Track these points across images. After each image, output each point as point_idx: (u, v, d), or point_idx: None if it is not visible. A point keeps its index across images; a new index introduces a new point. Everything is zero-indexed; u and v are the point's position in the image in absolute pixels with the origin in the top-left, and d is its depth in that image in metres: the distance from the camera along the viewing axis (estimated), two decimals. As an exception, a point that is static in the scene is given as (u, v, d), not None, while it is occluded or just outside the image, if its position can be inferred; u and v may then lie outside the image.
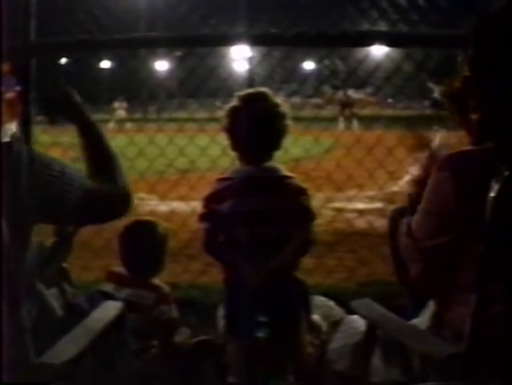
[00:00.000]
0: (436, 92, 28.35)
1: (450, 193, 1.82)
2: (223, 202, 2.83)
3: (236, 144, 2.93)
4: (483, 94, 1.87)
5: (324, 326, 3.11)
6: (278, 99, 2.95)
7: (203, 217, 2.89)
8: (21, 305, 1.88)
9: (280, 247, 2.82)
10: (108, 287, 3.09)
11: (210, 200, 2.88)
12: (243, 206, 2.81)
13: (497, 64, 1.82)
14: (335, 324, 3.13)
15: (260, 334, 2.70)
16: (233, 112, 2.91)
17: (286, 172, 2.92)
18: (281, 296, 2.81)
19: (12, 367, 1.76)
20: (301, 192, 2.89)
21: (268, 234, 2.82)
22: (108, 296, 2.64)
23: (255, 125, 2.84)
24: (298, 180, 2.93)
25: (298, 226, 2.86)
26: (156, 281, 3.20)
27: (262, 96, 2.93)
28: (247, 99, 2.92)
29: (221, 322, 2.95)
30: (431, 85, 27.99)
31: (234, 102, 2.94)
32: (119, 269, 3.18)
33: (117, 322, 2.43)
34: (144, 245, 3.17)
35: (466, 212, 1.80)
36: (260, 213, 2.80)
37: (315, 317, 3.08)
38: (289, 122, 2.93)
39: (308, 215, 2.89)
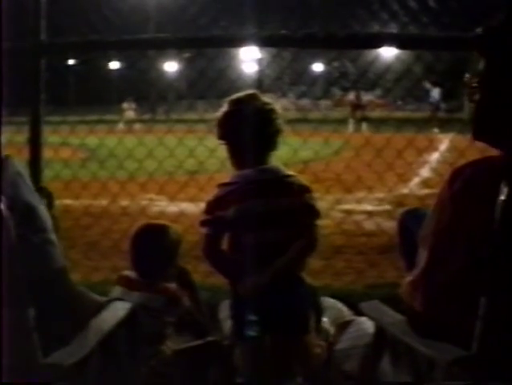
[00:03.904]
0: (434, 93, 28.39)
1: (449, 211, 1.87)
2: (228, 208, 2.81)
3: (232, 149, 2.91)
4: (492, 98, 1.88)
5: (332, 329, 3.10)
6: (269, 99, 2.93)
7: (205, 223, 2.87)
8: (27, 306, 1.88)
9: (287, 247, 2.81)
10: (118, 290, 3.09)
11: (214, 206, 2.86)
12: (249, 210, 2.79)
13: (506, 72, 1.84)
14: (344, 325, 3.12)
15: (264, 335, 2.69)
16: (226, 117, 2.89)
17: (287, 172, 2.90)
18: (288, 297, 2.80)
19: (17, 368, 1.77)
20: (305, 190, 2.87)
21: (275, 236, 2.81)
22: None
23: (250, 127, 2.82)
24: (301, 177, 2.91)
25: (304, 224, 2.85)
26: (165, 283, 3.18)
27: (252, 97, 2.91)
28: (238, 103, 2.90)
29: (226, 324, 2.95)
30: (428, 85, 27.96)
31: (225, 107, 2.91)
32: (130, 272, 3.17)
33: (128, 324, 2.43)
34: (154, 249, 3.14)
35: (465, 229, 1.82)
36: (267, 216, 2.79)
37: (324, 320, 3.07)
38: (281, 121, 2.91)
39: (313, 213, 2.87)
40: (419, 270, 1.97)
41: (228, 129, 2.88)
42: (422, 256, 1.97)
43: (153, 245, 3.15)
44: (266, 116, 2.86)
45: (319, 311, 3.01)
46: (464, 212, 1.83)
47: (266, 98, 2.93)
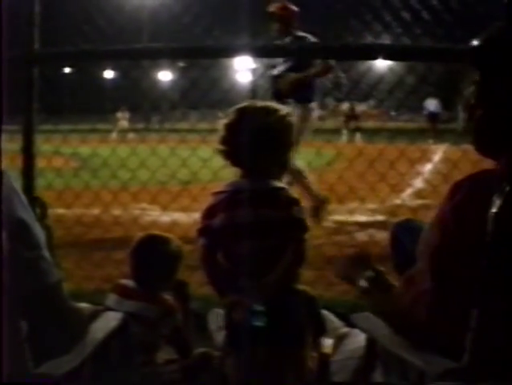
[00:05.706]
0: (429, 105, 28.59)
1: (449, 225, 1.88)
2: (216, 216, 2.81)
3: (235, 160, 2.88)
4: (490, 111, 1.89)
5: (324, 341, 3.09)
6: (283, 111, 2.89)
7: (200, 233, 2.86)
8: (19, 316, 1.87)
9: (274, 260, 2.79)
10: (112, 298, 3.08)
11: (206, 215, 2.85)
12: (234, 220, 2.78)
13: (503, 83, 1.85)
14: (342, 336, 3.12)
15: (258, 346, 2.68)
16: (232, 126, 2.85)
17: (278, 184, 2.88)
18: (282, 309, 2.79)
19: (11, 377, 1.76)
20: (293, 202, 2.84)
21: (262, 247, 2.78)
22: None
23: (250, 139, 2.78)
24: (291, 190, 2.90)
25: (292, 238, 2.83)
26: (162, 295, 3.16)
27: (265, 112, 2.87)
28: (243, 113, 2.87)
29: (218, 335, 2.93)
30: (430, 104, 28.11)
31: (231, 116, 2.88)
32: (126, 281, 3.16)
33: (120, 334, 2.42)
34: (155, 260, 3.13)
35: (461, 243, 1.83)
36: (252, 226, 2.76)
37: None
38: (290, 135, 2.88)
39: (300, 226, 2.85)
40: (422, 285, 1.95)
41: (231, 139, 2.84)
42: (422, 270, 1.96)
43: (155, 255, 3.14)
44: (265, 129, 2.82)
45: (320, 325, 2.99)
46: (466, 225, 1.83)
47: (283, 111, 2.89)
